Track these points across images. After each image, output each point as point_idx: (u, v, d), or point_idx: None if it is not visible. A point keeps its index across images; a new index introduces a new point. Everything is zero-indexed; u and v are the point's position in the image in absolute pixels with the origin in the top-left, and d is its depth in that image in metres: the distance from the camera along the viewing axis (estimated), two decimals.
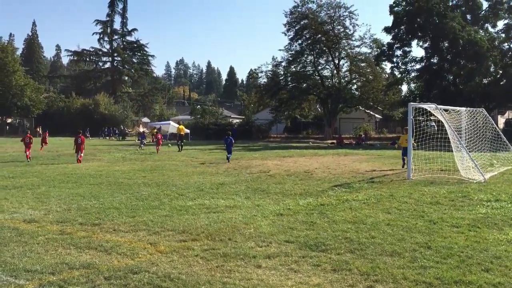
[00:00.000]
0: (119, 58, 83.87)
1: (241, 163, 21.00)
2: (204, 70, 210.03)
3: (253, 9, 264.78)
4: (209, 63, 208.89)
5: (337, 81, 55.11)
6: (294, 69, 55.57)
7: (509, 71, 44.49)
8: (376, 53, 51.83)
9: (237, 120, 65.95)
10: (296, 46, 54.31)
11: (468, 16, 47.31)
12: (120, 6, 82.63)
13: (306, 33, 53.64)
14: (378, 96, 53.82)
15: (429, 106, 15.66)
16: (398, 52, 48.37)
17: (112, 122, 64.07)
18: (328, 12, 53.04)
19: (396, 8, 47.46)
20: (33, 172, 17.32)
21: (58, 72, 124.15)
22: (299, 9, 53.29)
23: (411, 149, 15.42)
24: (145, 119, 78.83)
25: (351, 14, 52.40)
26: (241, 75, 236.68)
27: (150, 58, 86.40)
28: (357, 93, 56.38)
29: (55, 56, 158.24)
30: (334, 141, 44.51)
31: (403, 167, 17.99)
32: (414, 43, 48.78)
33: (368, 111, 59.46)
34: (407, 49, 48.23)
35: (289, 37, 54.13)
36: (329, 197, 11.63)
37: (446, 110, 16.62)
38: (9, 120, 71.11)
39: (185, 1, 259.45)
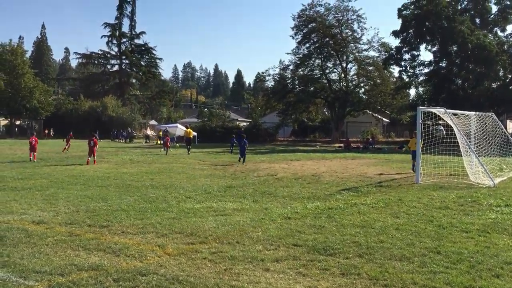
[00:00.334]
0: (127, 61, 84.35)
1: (249, 166, 21.00)
2: (212, 73, 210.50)
3: (260, 12, 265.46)
4: (216, 66, 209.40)
5: (345, 84, 55.06)
6: (301, 73, 55.59)
7: None
8: (384, 56, 51.73)
9: (244, 123, 65.98)
10: (303, 49, 54.41)
11: (477, 20, 47.10)
12: (129, 9, 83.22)
13: (314, 37, 53.65)
14: (386, 100, 53.66)
15: (438, 110, 15.59)
16: (407, 56, 48.28)
17: (120, 125, 64.31)
18: (336, 15, 53.07)
19: (405, 12, 47.35)
20: (42, 174, 17.42)
21: (67, 75, 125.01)
22: (307, 13, 53.34)
23: (419, 153, 15.34)
24: (153, 122, 79.16)
25: (359, 18, 52.41)
26: (248, 79, 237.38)
27: (158, 61, 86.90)
28: (364, 96, 56.24)
29: (63, 58, 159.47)
30: (342, 144, 44.43)
31: (413, 170, 17.93)
32: (422, 47, 48.64)
33: (376, 115, 59.27)
34: (415, 53, 48.12)
35: (297, 41, 54.23)
36: (337, 201, 11.59)
37: (455, 114, 16.53)
38: (18, 122, 71.62)
39: (193, 5, 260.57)
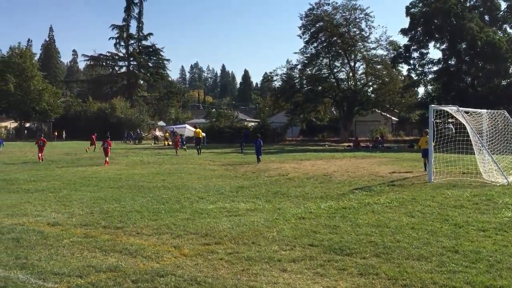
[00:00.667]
0: (135, 63, 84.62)
1: (259, 166, 20.99)
2: (219, 74, 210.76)
3: (267, 12, 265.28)
4: (223, 66, 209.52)
5: (353, 83, 54.87)
6: (309, 72, 55.44)
7: None
8: (392, 55, 51.48)
9: (252, 123, 65.97)
10: (311, 49, 54.19)
11: (486, 17, 46.78)
12: (136, 10, 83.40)
13: (322, 36, 53.44)
14: (395, 98, 53.40)
15: (451, 109, 15.49)
16: (415, 54, 47.97)
17: (129, 126, 64.56)
18: (344, 14, 52.86)
19: (413, 10, 47.08)
20: (54, 176, 17.52)
21: (75, 77, 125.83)
22: (314, 12, 53.18)
23: (432, 152, 15.24)
24: (161, 123, 79.38)
25: (367, 16, 52.14)
26: (256, 79, 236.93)
27: (165, 62, 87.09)
28: (373, 95, 56.00)
29: (71, 61, 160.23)
30: (351, 144, 44.27)
31: (425, 169, 17.85)
32: (431, 44, 48.27)
33: (384, 113, 59.01)
34: (424, 51, 47.79)
35: (305, 40, 54.04)
36: (350, 200, 11.54)
37: (467, 112, 16.40)
38: (27, 124, 72.14)
39: (200, 6, 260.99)
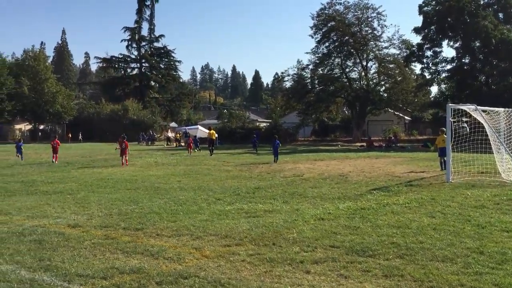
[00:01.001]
0: (146, 64, 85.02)
1: (273, 167, 20.96)
2: (229, 75, 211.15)
3: (278, 13, 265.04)
4: (234, 67, 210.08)
5: (365, 83, 54.60)
6: (321, 72, 55.26)
7: None
8: (405, 54, 51.13)
9: (264, 124, 65.93)
10: (323, 48, 54.04)
11: (500, 15, 46.15)
12: (148, 13, 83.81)
13: (333, 35, 53.24)
14: (408, 97, 53.03)
15: (468, 107, 15.30)
16: (428, 53, 47.59)
17: (142, 128, 64.89)
18: (356, 13, 52.68)
19: (426, 8, 46.68)
20: (71, 178, 17.65)
21: (87, 79, 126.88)
22: (326, 11, 53.03)
23: (450, 151, 15.07)
24: (173, 124, 79.70)
25: (379, 15, 51.93)
26: (266, 79, 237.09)
27: (177, 63, 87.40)
28: (385, 95, 55.65)
29: (84, 63, 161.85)
30: (364, 143, 44.05)
31: (441, 169, 17.71)
32: (444, 43, 47.85)
33: (397, 113, 58.64)
34: (437, 49, 47.40)
35: (316, 40, 53.90)
36: (369, 201, 11.45)
37: (484, 111, 16.21)
38: (41, 127, 72.86)
39: (210, 7, 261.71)
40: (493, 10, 45.20)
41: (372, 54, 54.31)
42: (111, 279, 5.92)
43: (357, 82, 55.72)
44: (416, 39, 49.48)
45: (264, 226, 8.77)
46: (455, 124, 16.98)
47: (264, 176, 17.62)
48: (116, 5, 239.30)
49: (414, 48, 48.75)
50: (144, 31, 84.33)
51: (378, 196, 12.19)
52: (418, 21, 49.55)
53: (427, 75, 49.46)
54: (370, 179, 15.82)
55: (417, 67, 52.29)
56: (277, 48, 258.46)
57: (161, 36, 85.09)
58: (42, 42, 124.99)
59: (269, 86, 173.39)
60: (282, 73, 60.88)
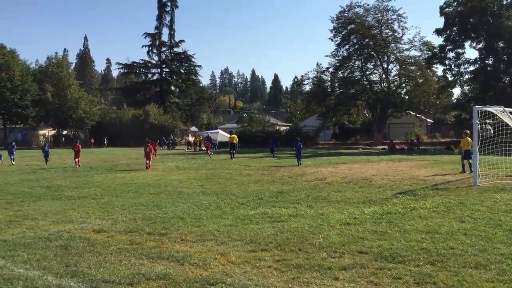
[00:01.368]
0: (167, 69, 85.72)
1: (295, 171, 20.82)
2: (249, 79, 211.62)
3: (296, 16, 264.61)
4: (253, 71, 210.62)
5: (386, 85, 53.99)
6: (341, 75, 54.92)
7: None
8: (426, 56, 50.46)
9: (284, 128, 65.78)
10: (343, 51, 53.77)
11: None
12: (168, 18, 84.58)
13: (353, 38, 52.93)
14: (430, 99, 52.27)
15: (496, 109, 14.94)
16: (451, 54, 47.07)
17: (162, 132, 65.38)
18: (376, 16, 52.20)
19: (447, 9, 46.14)
20: (94, 182, 17.80)
21: (109, 85, 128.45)
22: (345, 14, 52.76)
23: (477, 154, 14.72)
24: (194, 128, 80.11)
25: (399, 17, 51.31)
26: (285, 83, 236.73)
27: (197, 68, 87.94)
28: (406, 97, 54.94)
29: (105, 69, 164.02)
30: (385, 146, 43.51)
31: (464, 171, 17.36)
32: (467, 44, 47.20)
33: (419, 115, 57.83)
34: (460, 50, 46.80)
35: (336, 43, 53.66)
36: (395, 205, 11.23)
37: (511, 113, 15.82)
38: (64, 132, 74.01)
39: (229, 12, 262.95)
40: None
41: (392, 56, 53.74)
42: (138, 285, 5.88)
43: (378, 85, 55.21)
44: (437, 40, 48.94)
45: (289, 231, 8.65)
46: (479, 126, 16.62)
47: (286, 180, 17.50)
48: (137, 11, 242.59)
49: (436, 50, 48.17)
50: (165, 37, 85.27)
51: (404, 200, 11.96)
52: (439, 22, 48.98)
53: (449, 76, 48.88)
54: (395, 182, 15.56)
55: (439, 69, 51.66)
56: (296, 51, 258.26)
57: (181, 41, 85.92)
58: (65, 49, 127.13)
59: (288, 89, 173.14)
60: (302, 76, 60.79)
